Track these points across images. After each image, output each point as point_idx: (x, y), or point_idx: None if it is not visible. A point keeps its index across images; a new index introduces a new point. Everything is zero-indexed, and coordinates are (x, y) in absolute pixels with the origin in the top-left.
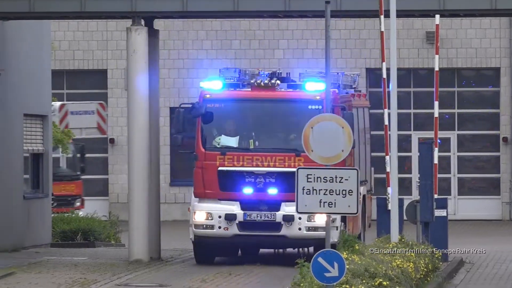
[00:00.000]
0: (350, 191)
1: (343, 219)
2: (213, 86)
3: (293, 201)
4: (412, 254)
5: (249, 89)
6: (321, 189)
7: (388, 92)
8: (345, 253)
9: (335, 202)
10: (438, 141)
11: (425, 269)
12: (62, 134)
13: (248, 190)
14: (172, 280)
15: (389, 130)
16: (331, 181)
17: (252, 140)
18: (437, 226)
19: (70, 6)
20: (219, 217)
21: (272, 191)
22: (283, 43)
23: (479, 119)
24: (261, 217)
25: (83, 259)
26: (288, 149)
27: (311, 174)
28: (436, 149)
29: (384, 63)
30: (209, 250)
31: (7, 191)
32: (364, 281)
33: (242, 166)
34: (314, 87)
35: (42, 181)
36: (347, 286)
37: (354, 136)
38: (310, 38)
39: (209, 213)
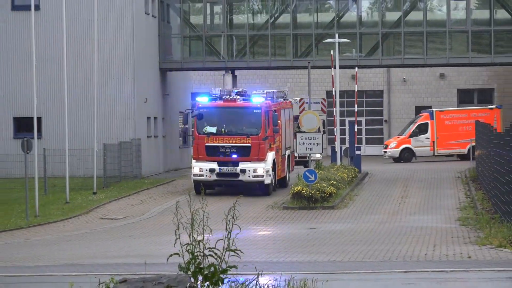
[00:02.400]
0: (318, 143)
1: (274, 169)
2: (203, 100)
3: (247, 161)
4: (345, 170)
5: (222, 101)
6: (306, 143)
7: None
8: (317, 170)
9: (312, 148)
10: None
11: (351, 176)
12: None
13: (221, 156)
14: None
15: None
16: (310, 138)
17: (223, 129)
18: (356, 158)
19: (197, 64)
20: (206, 170)
21: (234, 156)
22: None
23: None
24: (228, 170)
25: None
26: (243, 133)
27: (302, 137)
28: (356, 125)
29: (333, 88)
30: (199, 187)
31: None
32: (324, 181)
33: (218, 143)
34: (256, 100)
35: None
36: (318, 183)
37: (279, 125)
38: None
39: (201, 168)
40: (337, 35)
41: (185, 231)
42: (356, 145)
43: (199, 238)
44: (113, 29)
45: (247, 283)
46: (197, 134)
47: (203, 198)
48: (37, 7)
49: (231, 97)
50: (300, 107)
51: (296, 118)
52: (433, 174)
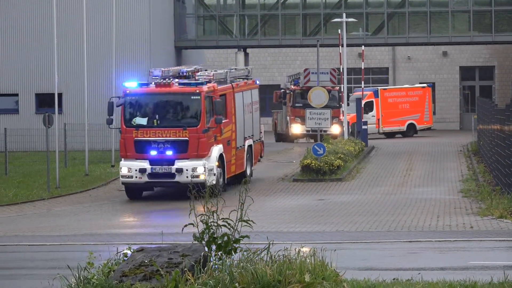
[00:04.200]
0: (327, 118)
1: (221, 166)
2: (131, 85)
3: (184, 159)
4: (352, 144)
5: (154, 86)
6: (315, 117)
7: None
8: (326, 144)
9: (321, 123)
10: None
11: (358, 150)
12: None
13: (153, 153)
14: None
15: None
16: (319, 113)
17: (155, 120)
18: (363, 133)
19: (211, 43)
20: (136, 170)
21: (169, 153)
22: None
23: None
24: (162, 170)
25: None
26: (179, 125)
27: (311, 112)
28: (362, 101)
29: (341, 66)
30: (133, 191)
31: None
32: (332, 155)
33: (150, 137)
34: (196, 84)
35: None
36: (326, 156)
37: (231, 111)
38: None
39: (129, 168)
40: (344, 14)
41: (200, 202)
42: (362, 120)
43: (213, 209)
44: (130, 8)
45: (258, 252)
46: (124, 127)
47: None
48: None
49: (165, 81)
50: (305, 78)
51: (282, 96)
52: (436, 147)
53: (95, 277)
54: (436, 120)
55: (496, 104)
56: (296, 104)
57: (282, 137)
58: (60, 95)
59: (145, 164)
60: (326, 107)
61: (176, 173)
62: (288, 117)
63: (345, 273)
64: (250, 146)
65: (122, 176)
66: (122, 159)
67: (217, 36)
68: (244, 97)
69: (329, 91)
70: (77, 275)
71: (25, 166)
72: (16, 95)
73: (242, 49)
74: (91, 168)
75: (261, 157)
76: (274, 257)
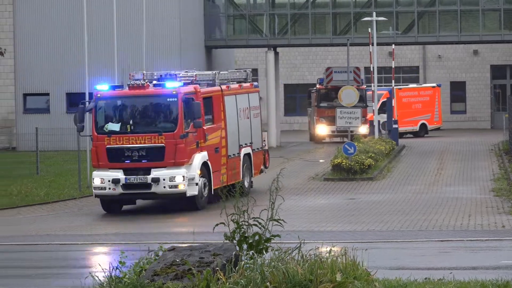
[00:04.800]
0: (357, 117)
1: (205, 176)
2: (102, 88)
3: (160, 167)
4: (383, 143)
5: (127, 89)
6: (345, 116)
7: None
8: (356, 143)
9: (351, 122)
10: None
11: (389, 149)
12: None
13: (127, 161)
14: None
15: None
16: (349, 112)
17: (129, 125)
18: (394, 132)
19: (241, 42)
20: (109, 181)
21: (144, 161)
22: None
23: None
24: (136, 180)
25: None
26: (154, 130)
27: (342, 111)
28: (393, 100)
29: (371, 65)
30: (109, 204)
31: None
32: (363, 154)
33: (123, 144)
34: (172, 85)
35: None
36: (357, 155)
37: (222, 115)
38: None
39: (102, 179)
40: (374, 13)
41: (230, 202)
42: (393, 119)
43: (244, 208)
44: (161, 8)
45: (290, 251)
46: (95, 134)
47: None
48: None
49: (139, 83)
50: (327, 77)
51: (308, 95)
52: (467, 146)
53: (127, 276)
54: (467, 119)
55: None
56: (321, 104)
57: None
58: (91, 94)
59: (119, 174)
60: (357, 107)
61: (152, 183)
62: (313, 117)
63: (377, 272)
64: (248, 154)
65: (95, 188)
66: (95, 169)
67: (247, 35)
68: (238, 101)
69: (360, 91)
70: (108, 274)
71: (56, 165)
72: (47, 94)
73: (272, 49)
74: None
75: (265, 167)
76: (305, 256)
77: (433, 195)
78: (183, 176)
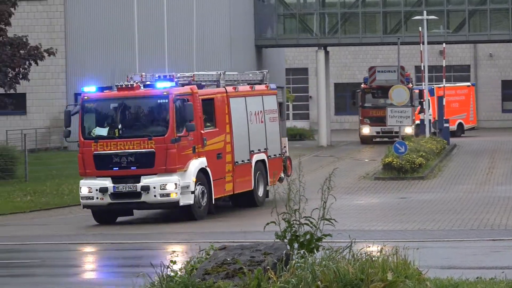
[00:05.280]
0: (408, 116)
1: (204, 184)
2: (89, 89)
3: (151, 174)
4: (434, 142)
5: (116, 91)
6: (397, 115)
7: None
8: (407, 142)
9: (402, 121)
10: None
11: (440, 148)
12: None
13: (116, 168)
14: None
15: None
16: (400, 111)
17: (117, 130)
18: (445, 131)
19: (291, 41)
20: (96, 190)
21: (134, 167)
22: None
23: None
24: (125, 189)
25: None
26: (143, 134)
27: (392, 110)
28: (444, 99)
29: (422, 63)
30: (100, 214)
31: None
32: (414, 153)
33: (111, 150)
34: (163, 86)
35: None
36: (408, 155)
37: (228, 119)
38: None
39: (90, 188)
40: (425, 12)
41: (282, 200)
42: (444, 118)
43: (295, 207)
44: (211, 8)
45: (341, 250)
46: (82, 139)
47: None
48: None
49: (128, 84)
50: (370, 76)
51: (352, 95)
52: None
53: (178, 275)
54: None
55: None
56: (365, 104)
57: None
58: None
59: (107, 183)
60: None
61: (142, 191)
62: (358, 118)
63: (428, 271)
64: (262, 161)
65: (82, 198)
66: (82, 177)
67: (297, 34)
68: (248, 104)
69: None
70: (160, 273)
71: None
72: None
73: (322, 48)
74: None
75: (287, 175)
76: (356, 256)
77: (485, 194)
78: (176, 184)
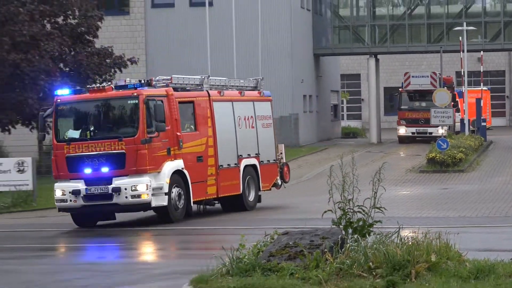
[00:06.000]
0: (449, 116)
1: (180, 185)
2: (63, 92)
3: (123, 176)
4: (472, 139)
5: (87, 93)
6: (439, 116)
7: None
8: (448, 139)
9: (444, 121)
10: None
11: (478, 144)
12: None
13: (88, 170)
14: None
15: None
16: (443, 112)
17: (89, 132)
18: (482, 129)
19: (345, 50)
20: (69, 192)
21: (105, 169)
22: None
23: None
24: (97, 190)
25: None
26: (114, 136)
27: (436, 111)
28: (481, 101)
29: (462, 69)
30: (79, 217)
31: None
32: (455, 149)
33: (83, 152)
34: (133, 87)
35: None
36: (449, 150)
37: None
38: None
39: (63, 190)
40: (465, 23)
41: (337, 191)
42: (482, 117)
43: (349, 197)
44: (274, 21)
45: (390, 235)
46: (55, 142)
47: None
48: (210, 4)
49: (99, 86)
50: (405, 81)
51: (389, 98)
52: None
53: (246, 257)
54: None
55: None
56: (402, 107)
57: None
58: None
59: (80, 185)
60: (427, 108)
61: (113, 193)
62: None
63: (467, 253)
64: (252, 166)
65: (56, 201)
66: (57, 180)
67: (350, 44)
68: (236, 109)
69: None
70: (230, 255)
71: None
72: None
73: (373, 56)
74: None
75: (285, 182)
76: (404, 240)
77: None
78: (147, 185)
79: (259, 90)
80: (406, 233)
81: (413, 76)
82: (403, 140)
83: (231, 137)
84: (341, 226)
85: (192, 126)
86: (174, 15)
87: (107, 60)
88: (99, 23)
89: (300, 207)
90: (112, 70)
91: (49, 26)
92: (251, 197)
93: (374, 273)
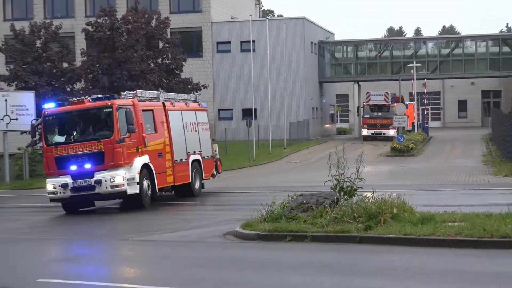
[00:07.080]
0: (405, 121)
1: (148, 178)
2: (49, 106)
3: (102, 170)
4: (419, 135)
5: (69, 105)
6: (399, 120)
7: None
8: (405, 135)
9: (402, 123)
10: None
11: (423, 138)
12: None
13: (74, 167)
14: None
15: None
16: (401, 118)
17: (72, 136)
18: (425, 129)
19: (339, 79)
20: (59, 186)
21: (88, 166)
22: None
23: None
24: (82, 183)
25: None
26: (94, 138)
27: (396, 117)
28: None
29: (412, 90)
30: (67, 206)
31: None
32: (408, 141)
33: (68, 152)
34: (107, 99)
35: None
36: (405, 142)
37: (168, 125)
38: None
39: (54, 184)
40: (414, 62)
41: (334, 168)
42: (425, 121)
43: (341, 172)
44: (294, 61)
45: (367, 196)
46: (45, 145)
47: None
48: (254, 50)
49: (78, 99)
50: (366, 98)
51: (357, 110)
52: (468, 137)
53: (276, 210)
54: (467, 121)
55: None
56: (364, 115)
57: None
58: (255, 109)
59: (67, 179)
60: (387, 118)
61: (96, 184)
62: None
63: (416, 208)
64: (197, 161)
65: (48, 193)
66: (48, 177)
67: (342, 75)
68: (184, 116)
69: (388, 107)
70: (266, 209)
71: (235, 148)
72: (231, 109)
73: (356, 82)
74: (272, 150)
75: (218, 172)
76: (376, 199)
77: (448, 164)
78: (123, 177)
79: (198, 102)
80: (377, 194)
81: (372, 94)
82: (366, 138)
83: (181, 138)
84: (336, 190)
85: (153, 129)
86: (231, 57)
87: (188, 86)
88: (183, 62)
89: (310, 179)
90: (192, 92)
91: (152, 65)
92: (197, 185)
93: (357, 221)
